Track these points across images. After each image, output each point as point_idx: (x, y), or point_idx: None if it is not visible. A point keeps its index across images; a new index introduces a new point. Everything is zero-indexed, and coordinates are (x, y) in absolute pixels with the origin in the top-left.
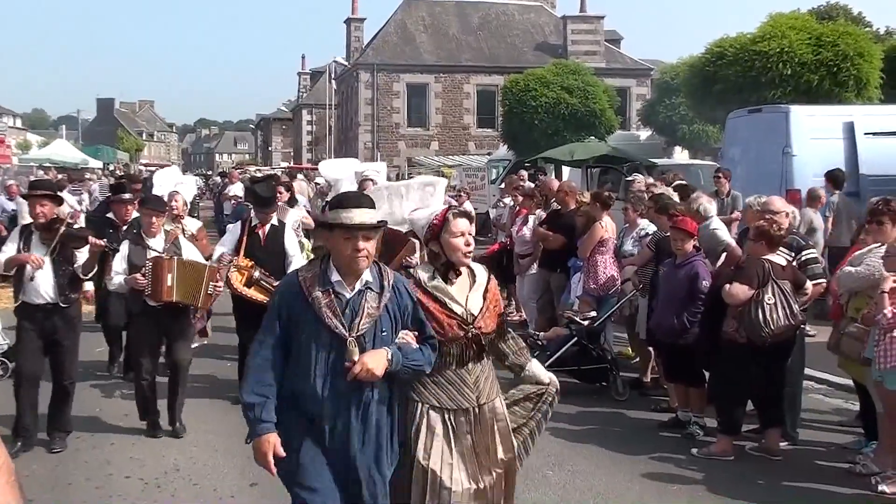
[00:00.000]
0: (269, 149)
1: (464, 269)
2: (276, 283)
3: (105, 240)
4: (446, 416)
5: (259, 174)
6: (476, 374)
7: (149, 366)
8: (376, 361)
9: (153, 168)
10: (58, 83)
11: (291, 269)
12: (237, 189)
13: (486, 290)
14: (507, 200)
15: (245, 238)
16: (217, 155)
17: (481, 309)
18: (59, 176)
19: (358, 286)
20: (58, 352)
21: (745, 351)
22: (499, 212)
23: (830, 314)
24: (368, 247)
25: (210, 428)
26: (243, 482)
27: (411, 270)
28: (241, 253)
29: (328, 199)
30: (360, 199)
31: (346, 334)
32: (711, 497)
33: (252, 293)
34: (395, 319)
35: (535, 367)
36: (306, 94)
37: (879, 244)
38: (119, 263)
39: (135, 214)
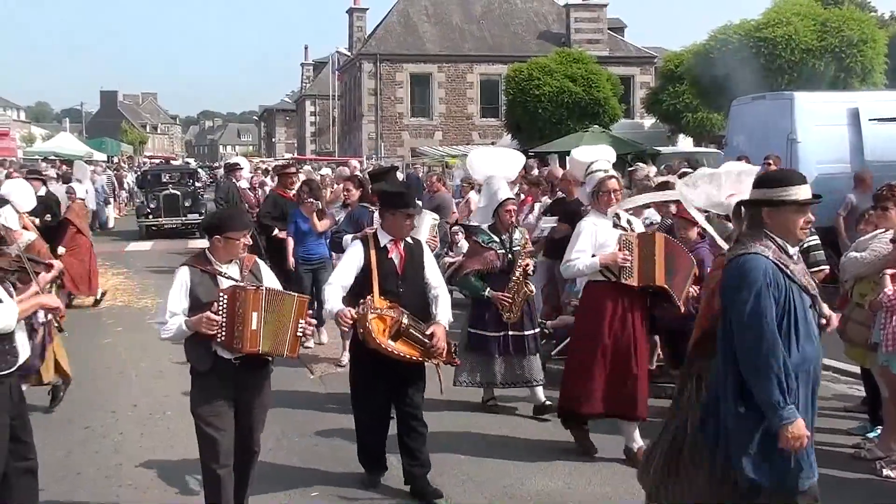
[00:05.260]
0: (273, 140)
1: None
2: (427, 332)
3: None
4: None
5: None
6: None
7: (227, 446)
8: None
9: (157, 160)
10: (61, 76)
11: (440, 307)
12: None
13: None
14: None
15: (375, 264)
16: (221, 146)
17: None
18: (64, 167)
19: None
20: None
21: None
22: None
23: (838, 302)
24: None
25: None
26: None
27: None
28: (376, 289)
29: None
30: (795, 175)
31: (818, 296)
32: None
33: (399, 348)
34: None
35: None
36: (309, 85)
37: (884, 230)
38: (176, 301)
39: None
